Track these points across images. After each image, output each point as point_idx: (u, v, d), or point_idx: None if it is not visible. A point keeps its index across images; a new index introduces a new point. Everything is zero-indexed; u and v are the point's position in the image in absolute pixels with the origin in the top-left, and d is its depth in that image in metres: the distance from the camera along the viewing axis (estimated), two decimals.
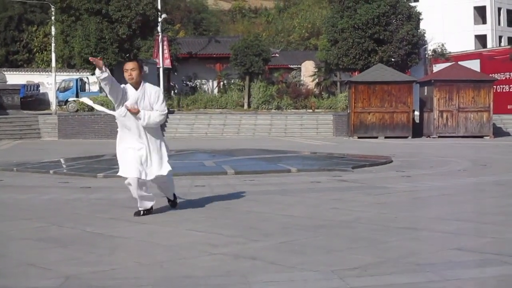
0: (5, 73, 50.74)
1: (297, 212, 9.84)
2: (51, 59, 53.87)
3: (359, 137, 37.48)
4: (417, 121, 40.16)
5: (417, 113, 40.40)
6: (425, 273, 5.96)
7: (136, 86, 9.41)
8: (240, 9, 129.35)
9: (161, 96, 9.59)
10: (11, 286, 5.81)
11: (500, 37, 75.98)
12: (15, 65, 70.27)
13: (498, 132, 39.18)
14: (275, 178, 14.92)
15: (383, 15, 43.85)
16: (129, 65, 9.41)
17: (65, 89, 57.42)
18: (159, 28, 48.04)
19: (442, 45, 51.61)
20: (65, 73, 61.98)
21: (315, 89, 54.21)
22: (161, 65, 48.93)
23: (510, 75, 48.38)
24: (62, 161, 21.12)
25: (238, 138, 38.57)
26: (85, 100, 12.62)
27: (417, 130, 38.71)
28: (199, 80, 60.11)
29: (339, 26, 44.82)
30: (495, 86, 41.86)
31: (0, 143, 35.70)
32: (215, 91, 58.61)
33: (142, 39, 46.99)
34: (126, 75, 9.38)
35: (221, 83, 59.35)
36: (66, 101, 55.62)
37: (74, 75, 60.56)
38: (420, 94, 40.18)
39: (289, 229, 8.44)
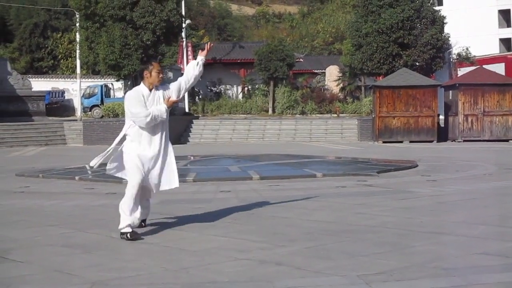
0: (30, 79, 51.20)
1: (322, 217, 9.82)
2: (75, 66, 54.35)
3: (383, 142, 37.39)
4: (442, 125, 39.99)
5: (442, 117, 40.23)
6: (451, 277, 5.93)
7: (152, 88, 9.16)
8: (264, 14, 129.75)
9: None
10: None
11: None
12: (40, 72, 70.80)
13: None
14: (300, 183, 14.89)
15: (407, 19, 43.80)
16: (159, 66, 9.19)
17: (90, 96, 57.76)
18: (183, 34, 48.22)
19: (467, 48, 51.44)
20: (90, 80, 62.43)
21: (339, 94, 54.13)
22: None
23: None
24: (87, 167, 21.19)
25: (262, 143, 38.59)
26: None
27: (442, 134, 38.57)
28: (223, 86, 60.25)
29: (363, 30, 44.80)
30: None
31: (26, 149, 35.95)
32: (240, 96, 58.68)
33: (167, 45, 47.15)
34: (159, 76, 9.12)
35: (246, 88, 59.43)
36: (91, 107, 55.98)
37: (99, 82, 60.97)
38: (445, 98, 40.04)
39: (314, 234, 8.43)
